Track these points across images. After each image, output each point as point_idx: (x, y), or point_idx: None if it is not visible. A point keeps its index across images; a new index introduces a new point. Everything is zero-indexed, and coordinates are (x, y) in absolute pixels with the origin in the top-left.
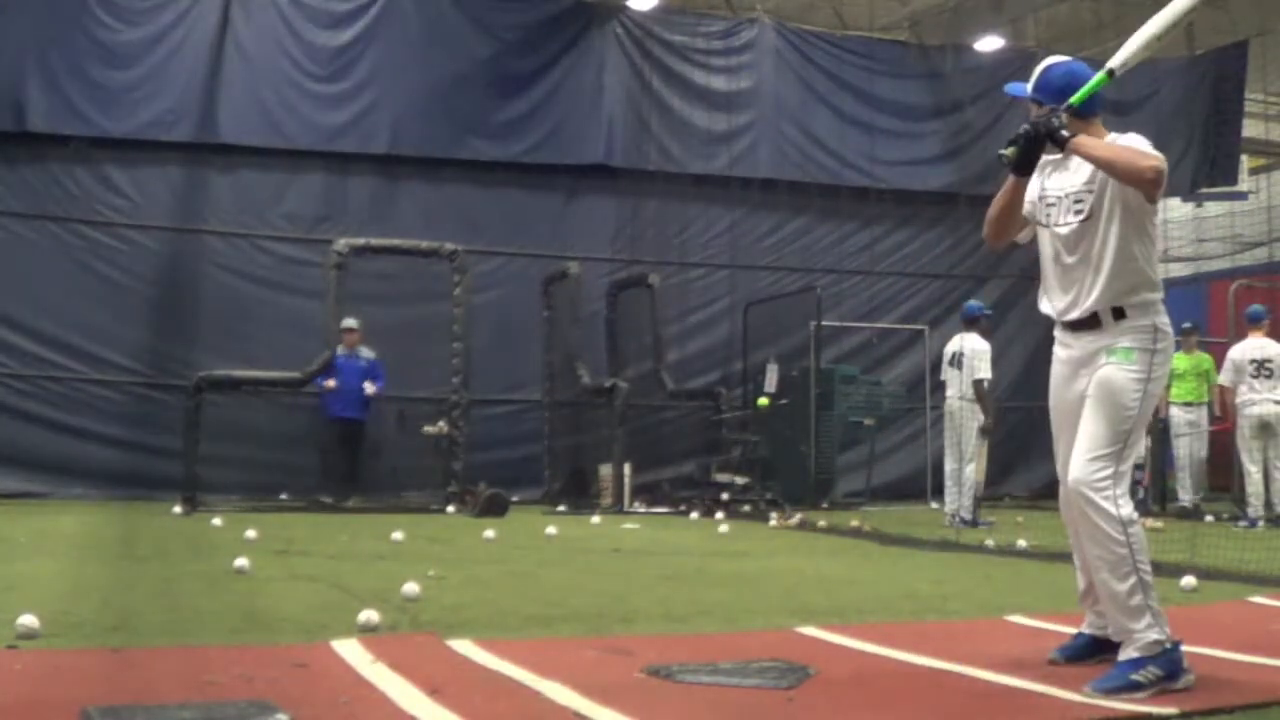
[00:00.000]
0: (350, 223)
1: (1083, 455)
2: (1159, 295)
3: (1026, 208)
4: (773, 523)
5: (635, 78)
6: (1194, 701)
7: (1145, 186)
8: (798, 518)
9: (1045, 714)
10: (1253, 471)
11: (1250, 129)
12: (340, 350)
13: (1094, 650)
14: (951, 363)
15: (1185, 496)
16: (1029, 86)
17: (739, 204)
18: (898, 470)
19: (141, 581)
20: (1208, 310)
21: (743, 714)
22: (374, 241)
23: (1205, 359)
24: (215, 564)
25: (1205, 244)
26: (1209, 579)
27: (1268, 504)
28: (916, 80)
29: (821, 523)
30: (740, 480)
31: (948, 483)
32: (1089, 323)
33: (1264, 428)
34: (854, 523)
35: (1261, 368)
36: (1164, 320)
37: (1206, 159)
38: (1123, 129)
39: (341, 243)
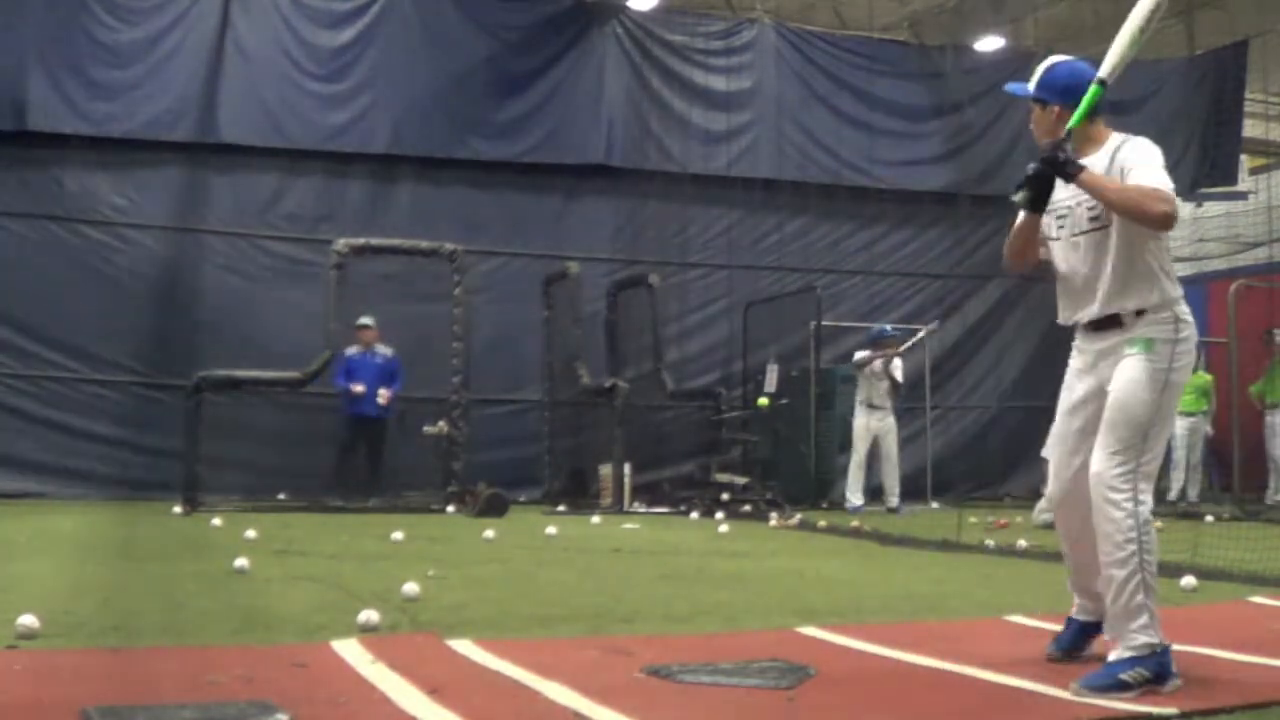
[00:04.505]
0: (350, 223)
1: (1102, 450)
2: (1178, 291)
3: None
4: (773, 523)
5: (635, 78)
6: (1194, 701)
7: (1152, 227)
8: (798, 518)
9: (1045, 714)
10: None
11: (1250, 129)
12: (352, 349)
13: (1085, 636)
14: None
15: (1191, 492)
16: (1031, 85)
17: (739, 204)
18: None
19: (141, 581)
20: (1207, 311)
21: (743, 714)
22: (374, 241)
23: (1205, 377)
24: (215, 564)
25: (1205, 244)
26: (1209, 579)
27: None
28: (916, 80)
29: (821, 523)
30: (740, 480)
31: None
32: (1110, 322)
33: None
34: (854, 523)
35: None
36: (1184, 310)
37: (1206, 159)
38: (1122, 129)
39: (341, 243)
